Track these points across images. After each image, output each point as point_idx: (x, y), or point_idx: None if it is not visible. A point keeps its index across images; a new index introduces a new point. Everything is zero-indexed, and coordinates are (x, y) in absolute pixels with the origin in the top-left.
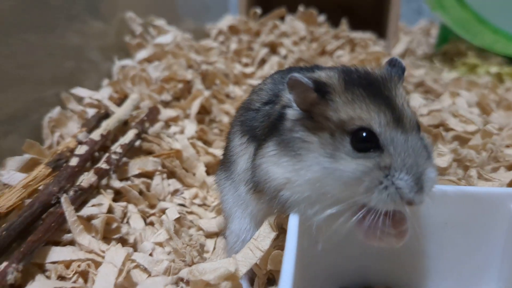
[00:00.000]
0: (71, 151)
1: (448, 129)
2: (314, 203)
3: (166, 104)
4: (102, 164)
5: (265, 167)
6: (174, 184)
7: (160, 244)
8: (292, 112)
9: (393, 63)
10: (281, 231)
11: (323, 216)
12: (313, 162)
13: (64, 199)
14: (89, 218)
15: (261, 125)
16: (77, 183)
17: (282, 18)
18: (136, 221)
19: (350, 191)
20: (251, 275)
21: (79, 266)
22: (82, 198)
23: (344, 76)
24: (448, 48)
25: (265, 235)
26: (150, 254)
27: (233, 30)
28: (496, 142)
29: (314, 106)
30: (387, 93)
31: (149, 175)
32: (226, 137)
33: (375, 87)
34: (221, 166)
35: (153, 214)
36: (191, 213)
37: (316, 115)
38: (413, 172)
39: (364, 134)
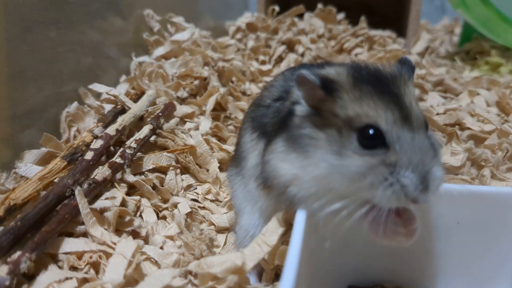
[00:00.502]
0: (87, 145)
1: (464, 128)
2: (321, 199)
3: (182, 101)
4: (117, 159)
5: (274, 163)
6: (187, 179)
7: (171, 238)
8: (301, 109)
9: (403, 61)
10: (289, 226)
11: (328, 210)
12: (320, 159)
13: (78, 191)
14: (102, 211)
15: (271, 122)
16: (92, 177)
17: (300, 16)
18: (148, 215)
19: (356, 187)
20: (260, 270)
21: (91, 257)
22: (96, 191)
23: (353, 73)
24: (471, 47)
25: (273, 231)
26: (161, 247)
27: (251, 27)
28: None
29: (321, 103)
30: (395, 90)
31: (163, 170)
32: (238, 133)
33: (383, 84)
34: (232, 162)
35: (166, 209)
36: (203, 208)
37: (324, 112)
38: (419, 170)
39: (370, 131)
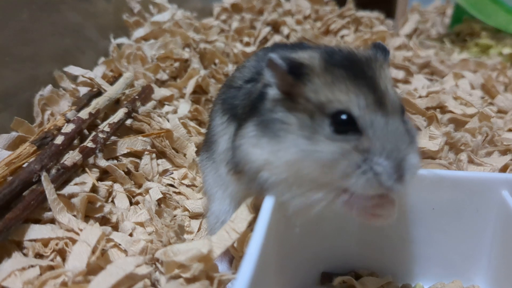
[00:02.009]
0: (58, 129)
1: (445, 112)
2: (293, 186)
3: (162, 83)
4: (88, 143)
5: (245, 148)
6: (163, 164)
7: (141, 224)
8: (273, 92)
9: (377, 46)
10: (259, 213)
11: (305, 201)
12: (291, 144)
13: (44, 177)
14: (70, 197)
15: (242, 104)
16: (61, 162)
17: None
18: (121, 201)
19: (329, 174)
20: (231, 257)
21: (57, 244)
22: (64, 176)
23: (325, 57)
24: (462, 29)
25: (242, 217)
26: (130, 234)
27: (236, 8)
28: (494, 126)
29: (292, 87)
30: (370, 73)
31: (138, 154)
32: (209, 115)
33: (357, 67)
34: (203, 146)
35: (140, 194)
36: (179, 193)
37: (296, 96)
38: (393, 157)
39: (342, 117)
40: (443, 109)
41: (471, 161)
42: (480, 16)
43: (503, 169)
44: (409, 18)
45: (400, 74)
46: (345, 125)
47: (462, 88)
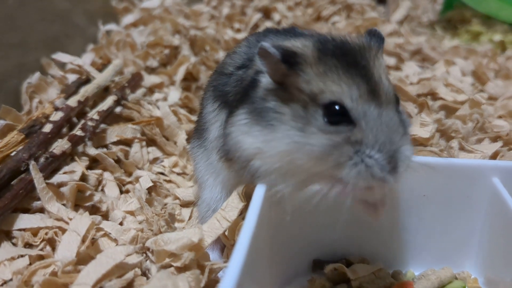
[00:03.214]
0: (47, 117)
1: (436, 98)
2: (285, 175)
3: (152, 70)
4: (77, 131)
5: (236, 135)
6: (154, 152)
7: (131, 213)
8: (265, 81)
9: (372, 33)
10: (250, 201)
11: (299, 192)
12: (284, 134)
13: (32, 166)
14: (60, 185)
15: (233, 91)
16: (50, 150)
17: None
18: (111, 189)
19: (321, 166)
20: (223, 245)
21: (46, 233)
22: (53, 165)
23: (318, 46)
24: (453, 15)
25: (233, 206)
26: (120, 223)
27: None
28: (485, 113)
29: (285, 77)
30: (363, 63)
31: (128, 142)
32: (200, 103)
33: (351, 57)
34: (194, 133)
35: (130, 182)
36: (169, 181)
37: (289, 86)
38: (386, 150)
39: (335, 108)
40: (434, 96)
41: (462, 148)
42: (471, 2)
43: (494, 156)
44: (401, 4)
45: (391, 61)
46: (337, 116)
47: (453, 75)
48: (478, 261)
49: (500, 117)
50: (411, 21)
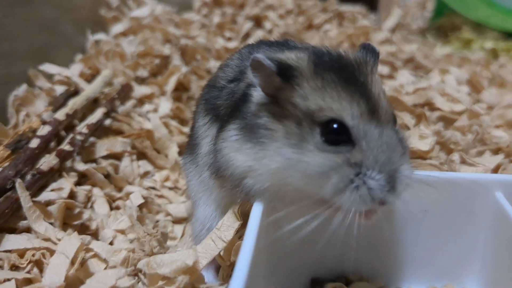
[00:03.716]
0: (34, 131)
1: (433, 109)
2: (278, 194)
3: (142, 81)
4: (65, 146)
5: (227, 152)
6: (144, 166)
7: (122, 232)
8: (257, 95)
9: (366, 47)
10: (246, 220)
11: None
12: (276, 152)
13: (18, 184)
14: (47, 204)
15: (225, 104)
16: (37, 166)
17: None
18: (101, 206)
19: (316, 186)
20: (218, 265)
21: (33, 255)
22: (41, 182)
23: (314, 59)
24: (443, 22)
25: (228, 225)
26: (111, 243)
27: (217, 2)
28: (483, 123)
29: (279, 91)
30: (362, 79)
31: (117, 156)
32: (192, 116)
33: (348, 72)
34: (187, 149)
35: (120, 198)
36: (161, 196)
37: (282, 100)
38: (386, 170)
39: (335, 126)
40: (430, 106)
41: (463, 162)
42: (462, 9)
43: (496, 169)
44: (392, 12)
45: (385, 70)
46: (337, 135)
47: (448, 84)
48: (481, 278)
49: (497, 126)
50: (402, 29)
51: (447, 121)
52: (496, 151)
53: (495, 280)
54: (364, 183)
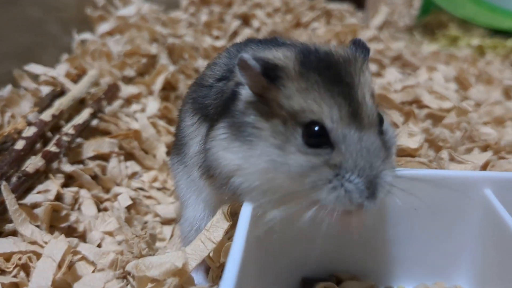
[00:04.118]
0: (19, 133)
1: (421, 106)
2: (266, 193)
3: (129, 81)
4: (52, 147)
5: (216, 151)
6: (132, 166)
7: (110, 234)
8: (245, 93)
9: (356, 43)
10: (235, 220)
11: (279, 211)
12: (263, 152)
13: (3, 186)
14: (34, 206)
15: (214, 103)
16: (23, 168)
17: None
18: (88, 208)
19: (298, 186)
20: (207, 266)
21: (20, 258)
22: (27, 184)
23: (301, 58)
24: (430, 20)
25: (218, 226)
26: (99, 245)
27: (204, 0)
28: (471, 120)
29: (265, 90)
30: (347, 80)
31: (105, 157)
32: (178, 115)
33: (334, 72)
34: (173, 149)
35: (108, 200)
36: (149, 197)
37: (269, 100)
38: (365, 175)
39: (315, 129)
40: (419, 103)
41: (452, 159)
42: (448, 7)
43: (484, 166)
44: (379, 10)
45: (373, 68)
46: (317, 138)
47: (436, 82)
48: (471, 275)
49: (485, 123)
50: (389, 26)
51: (436, 118)
52: (484, 148)
53: (485, 277)
54: (342, 185)
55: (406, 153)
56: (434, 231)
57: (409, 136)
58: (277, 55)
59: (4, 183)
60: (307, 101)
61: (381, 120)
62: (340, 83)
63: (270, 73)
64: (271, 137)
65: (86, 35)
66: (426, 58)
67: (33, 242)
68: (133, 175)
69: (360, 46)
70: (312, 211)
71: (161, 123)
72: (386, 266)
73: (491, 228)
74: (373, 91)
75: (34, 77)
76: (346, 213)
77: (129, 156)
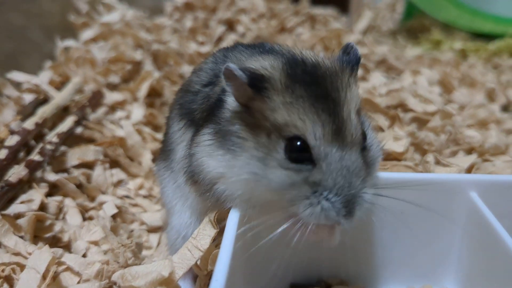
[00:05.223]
0: (2, 142)
1: (406, 110)
2: (249, 201)
3: (113, 87)
4: (35, 156)
5: (200, 157)
6: (118, 174)
7: (95, 243)
8: (231, 102)
9: (347, 50)
10: (222, 227)
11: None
12: (245, 163)
13: None
14: (17, 217)
15: (200, 108)
16: (5, 178)
17: None
18: (73, 217)
19: (279, 198)
20: (195, 274)
21: (3, 270)
22: (10, 194)
23: (287, 70)
24: (413, 24)
25: (205, 233)
26: (84, 255)
27: (189, 6)
28: (456, 123)
29: (251, 101)
30: (333, 95)
31: (90, 165)
32: (165, 122)
33: (320, 87)
34: (160, 155)
35: (93, 208)
36: (135, 205)
37: (254, 110)
38: (344, 194)
39: (298, 144)
40: (403, 107)
41: (437, 162)
42: (430, 11)
43: (469, 169)
44: (363, 14)
45: (357, 72)
46: (299, 153)
47: (420, 85)
48: (458, 277)
49: (469, 126)
50: (373, 31)
51: (420, 122)
52: (469, 151)
53: (472, 278)
54: (319, 203)
55: (392, 157)
56: (421, 234)
57: (394, 140)
58: (264, 65)
59: None
60: (291, 116)
61: (364, 137)
62: (325, 99)
63: (257, 84)
64: (254, 149)
65: (70, 42)
66: (410, 62)
67: (17, 253)
68: (118, 183)
69: (350, 53)
70: (286, 224)
71: (147, 129)
72: (374, 270)
73: (477, 230)
74: (359, 104)
75: (17, 85)
76: (319, 229)
77: (114, 163)
